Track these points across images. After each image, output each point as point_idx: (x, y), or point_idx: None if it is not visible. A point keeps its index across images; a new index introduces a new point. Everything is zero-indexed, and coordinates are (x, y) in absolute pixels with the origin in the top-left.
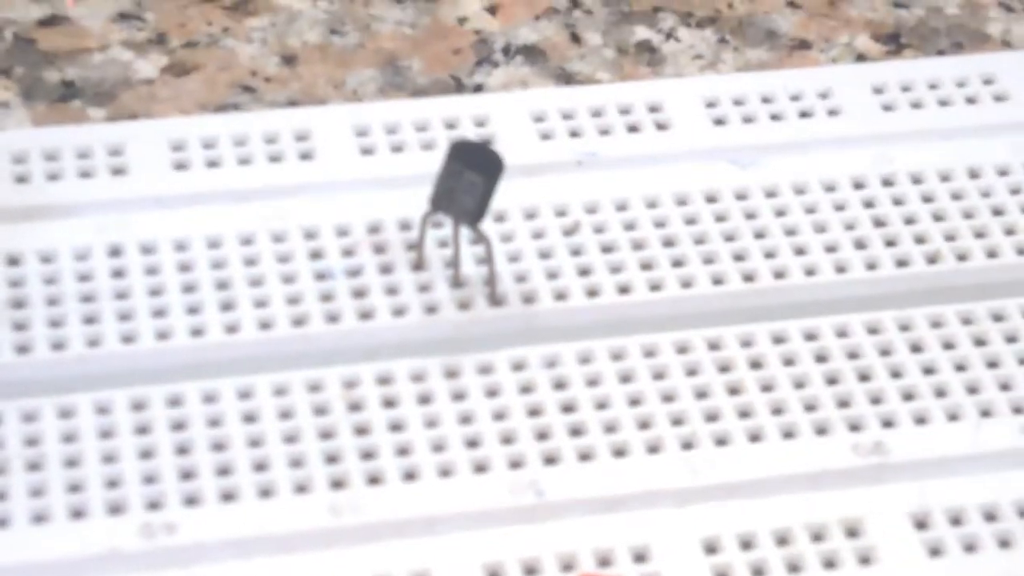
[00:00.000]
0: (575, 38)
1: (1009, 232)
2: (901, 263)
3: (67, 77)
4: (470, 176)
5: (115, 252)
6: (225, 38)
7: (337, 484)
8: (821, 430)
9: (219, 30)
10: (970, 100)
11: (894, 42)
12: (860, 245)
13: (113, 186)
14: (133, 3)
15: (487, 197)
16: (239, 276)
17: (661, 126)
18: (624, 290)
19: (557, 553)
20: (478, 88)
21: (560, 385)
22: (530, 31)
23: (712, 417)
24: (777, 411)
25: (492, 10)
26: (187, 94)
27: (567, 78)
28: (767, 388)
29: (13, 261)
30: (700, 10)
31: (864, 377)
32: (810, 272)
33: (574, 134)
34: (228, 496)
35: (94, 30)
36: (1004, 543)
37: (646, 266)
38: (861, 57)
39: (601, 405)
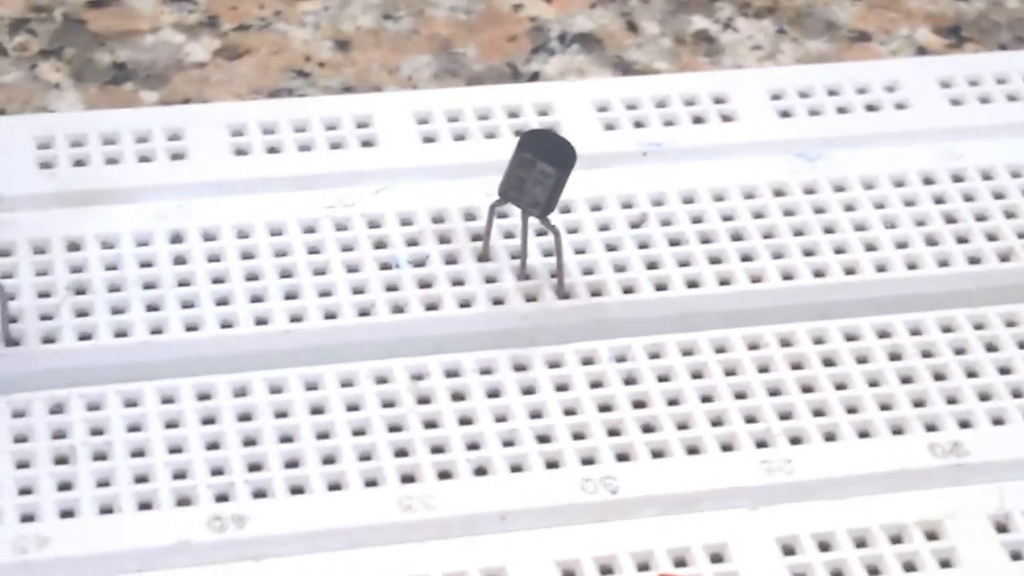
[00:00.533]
0: (632, 26)
1: None
2: (973, 260)
3: (118, 59)
4: (542, 166)
5: (176, 238)
6: (277, 22)
7: (407, 478)
8: (897, 429)
9: (271, 13)
10: None
11: (955, 35)
12: (931, 241)
13: (173, 171)
14: None
15: (558, 188)
16: (303, 264)
17: (726, 118)
18: (693, 284)
19: (632, 552)
20: (534, 76)
21: (631, 380)
22: (586, 19)
23: (786, 415)
24: (852, 409)
25: None
26: (240, 78)
27: (624, 67)
28: (841, 386)
29: (74, 246)
30: (758, 0)
31: (939, 376)
32: (881, 268)
33: (638, 124)
34: (297, 488)
35: (145, 12)
36: None
37: (715, 260)
38: (922, 50)
39: (673, 401)
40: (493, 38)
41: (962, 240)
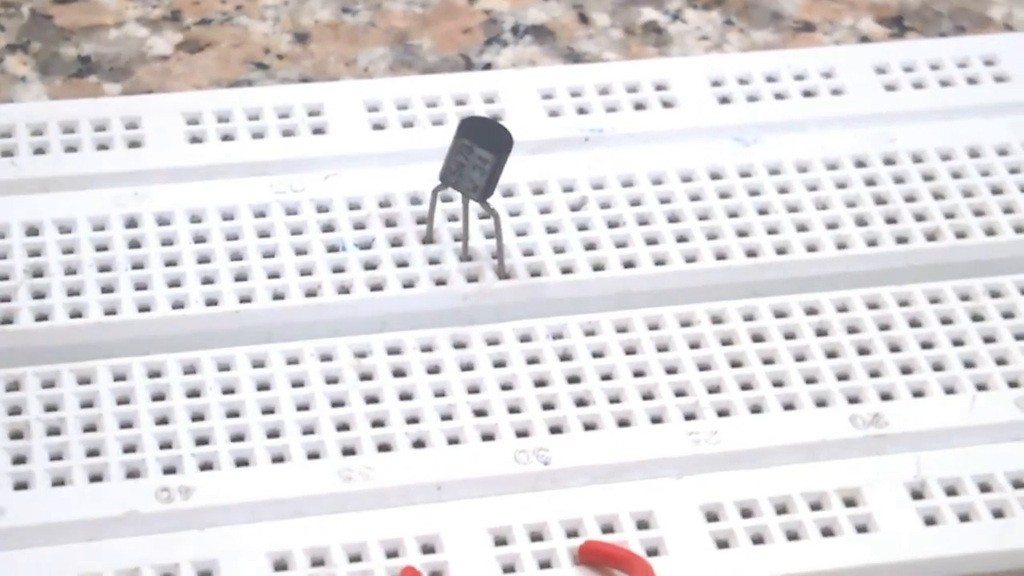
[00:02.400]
0: (583, 18)
1: (1008, 211)
2: (901, 240)
3: (83, 53)
4: (479, 152)
5: (131, 223)
6: (238, 16)
7: (348, 451)
8: (821, 402)
9: (232, 8)
10: (971, 81)
11: (897, 25)
12: (861, 222)
13: (129, 158)
14: None
15: (496, 173)
16: (253, 247)
17: (667, 104)
18: (629, 264)
19: (562, 520)
20: (487, 67)
21: (566, 356)
22: (539, 11)
23: (714, 389)
24: (778, 383)
25: None
26: (201, 70)
27: (575, 58)
28: (768, 361)
29: (32, 231)
30: None
31: (863, 351)
32: (812, 248)
33: (581, 111)
34: (242, 461)
35: (110, 7)
36: (998, 513)
37: (651, 241)
38: (865, 39)
39: (606, 376)
40: (448, 30)
41: (891, 221)
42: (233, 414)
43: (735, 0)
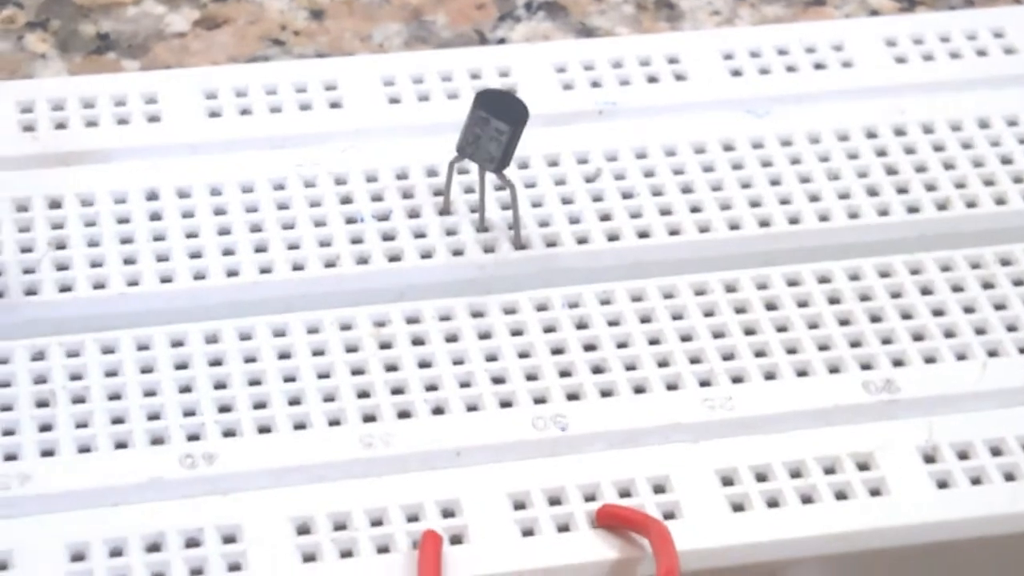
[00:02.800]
0: None
1: (1017, 180)
2: (912, 209)
3: (102, 30)
4: (495, 124)
5: (152, 196)
6: None
7: (368, 417)
8: (834, 369)
9: None
10: (980, 53)
11: None
12: (872, 192)
13: (149, 133)
14: None
15: (512, 144)
16: (272, 220)
17: (679, 77)
18: (643, 234)
19: (580, 484)
20: (501, 42)
21: (582, 325)
22: None
23: (728, 356)
24: (791, 350)
25: None
26: (218, 47)
27: (587, 33)
28: (782, 328)
29: (54, 204)
30: None
31: (875, 318)
32: (824, 218)
33: (595, 85)
34: (264, 428)
35: None
36: (1009, 476)
37: (665, 212)
38: (874, 13)
39: (622, 344)
40: (462, 6)
41: (902, 191)
42: (255, 382)
43: None
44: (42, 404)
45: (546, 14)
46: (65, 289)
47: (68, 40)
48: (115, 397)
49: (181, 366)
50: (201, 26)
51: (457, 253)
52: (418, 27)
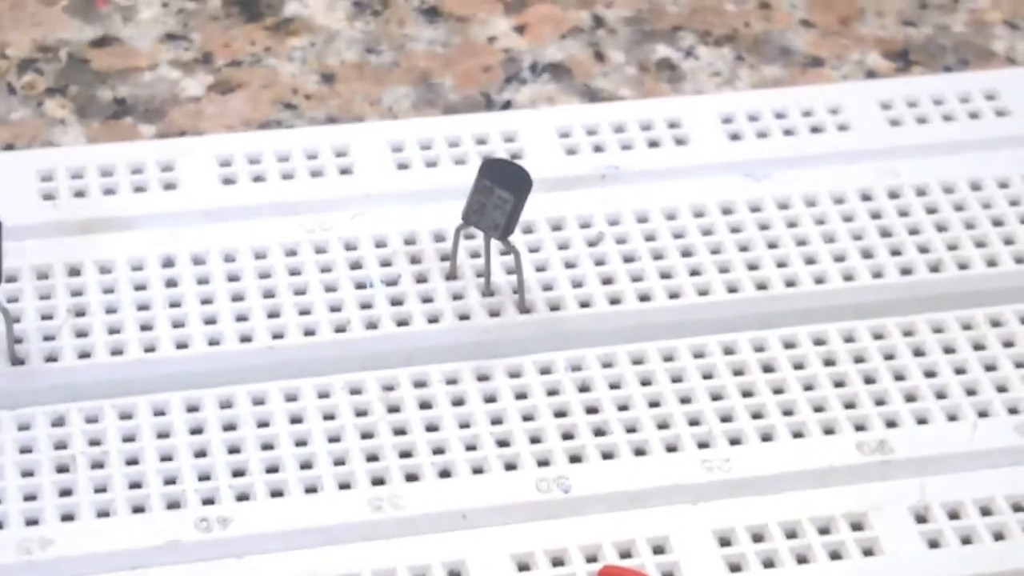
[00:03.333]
0: (599, 56)
1: (1008, 242)
2: (905, 271)
3: (119, 95)
4: (500, 193)
5: (168, 263)
6: (267, 57)
7: (377, 480)
8: (828, 430)
9: (261, 50)
10: (973, 115)
11: (903, 59)
12: (867, 254)
13: (165, 200)
14: (180, 24)
15: (516, 212)
16: (284, 285)
17: (680, 141)
18: (645, 298)
19: (581, 545)
20: (507, 104)
21: (585, 388)
22: (556, 49)
23: (726, 418)
24: (787, 412)
25: (520, 29)
26: (232, 111)
27: (591, 95)
28: (778, 390)
29: (74, 272)
30: (718, 28)
31: (869, 380)
32: (819, 280)
33: (598, 149)
34: (277, 492)
35: (143, 50)
36: (998, 536)
37: (665, 275)
38: (871, 74)
39: (623, 406)
40: (469, 69)
41: (896, 253)
42: (268, 446)
43: (746, 36)
44: (62, 469)
45: (551, 76)
46: (84, 356)
47: (86, 105)
48: (133, 462)
49: (196, 431)
50: (215, 90)
51: (463, 317)
52: (426, 90)
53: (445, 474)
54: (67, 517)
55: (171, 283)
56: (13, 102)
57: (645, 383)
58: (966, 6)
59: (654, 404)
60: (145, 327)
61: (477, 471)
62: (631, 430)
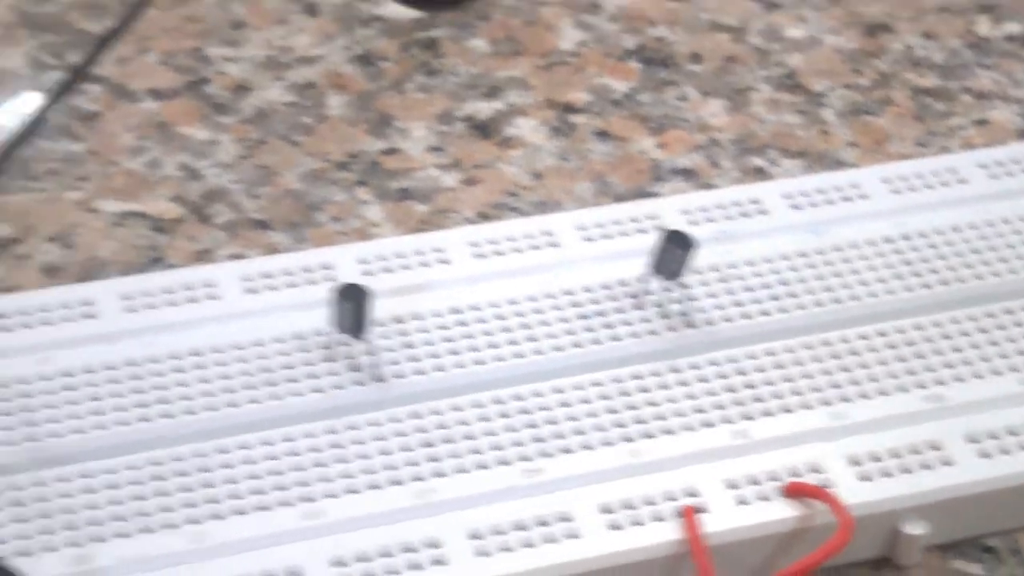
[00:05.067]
0: (714, 163)
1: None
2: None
3: (402, 186)
4: (676, 250)
5: (456, 311)
6: (496, 162)
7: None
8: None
9: (492, 157)
10: (962, 180)
11: None
12: (893, 277)
13: (442, 271)
14: (439, 140)
15: (687, 262)
16: (534, 319)
17: (762, 212)
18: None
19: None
20: (654, 194)
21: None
22: (686, 159)
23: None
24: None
25: (662, 146)
26: (474, 197)
27: (707, 187)
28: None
29: (398, 320)
30: (793, 147)
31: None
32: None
33: (710, 220)
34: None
35: (416, 157)
36: None
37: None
38: None
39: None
40: (629, 171)
41: (915, 274)
42: (572, 417)
43: (813, 152)
44: (426, 444)
45: (682, 177)
46: (420, 372)
47: (383, 193)
48: (469, 437)
49: (504, 415)
50: (464, 183)
51: (652, 333)
52: (602, 185)
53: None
54: (439, 474)
55: (461, 323)
56: (334, 190)
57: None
58: (960, 135)
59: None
60: (453, 351)
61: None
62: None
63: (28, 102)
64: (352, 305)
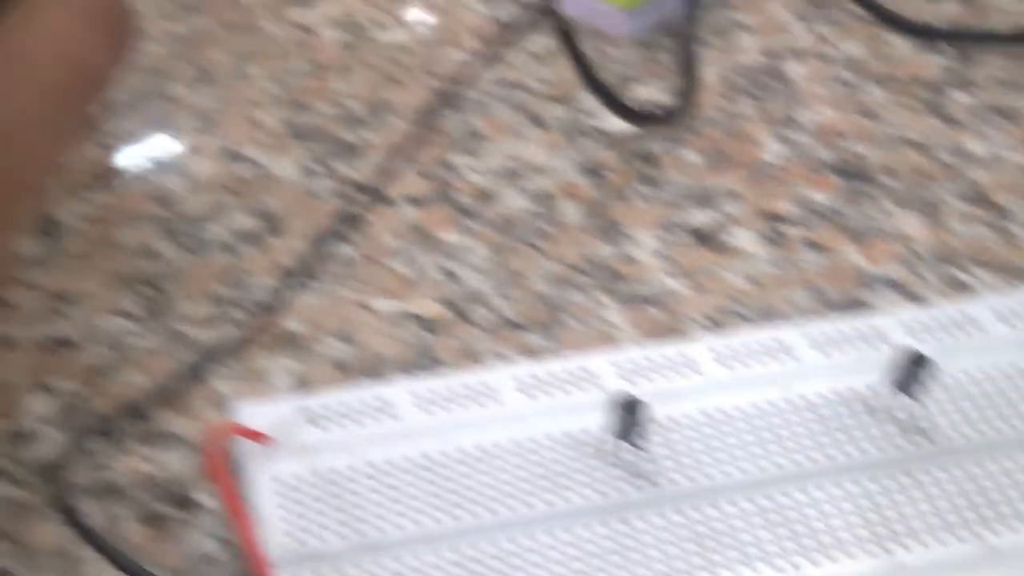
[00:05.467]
0: (916, 274)
1: None
2: None
3: (633, 291)
4: (919, 367)
5: (704, 415)
6: (715, 268)
7: None
8: None
9: (710, 263)
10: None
11: None
12: None
13: (680, 378)
14: (665, 248)
15: (926, 375)
16: (779, 422)
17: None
18: None
19: None
20: (865, 303)
21: None
22: (888, 270)
23: None
24: None
25: (866, 256)
26: (697, 300)
27: (915, 298)
28: None
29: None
30: (992, 260)
31: None
32: None
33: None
34: None
35: (645, 262)
36: None
37: None
38: None
39: None
40: (840, 281)
41: None
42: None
43: (1012, 267)
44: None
45: (885, 285)
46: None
47: (617, 295)
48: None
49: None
50: (687, 288)
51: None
52: (817, 294)
53: None
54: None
55: (712, 427)
56: (575, 292)
57: None
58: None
59: None
60: (710, 454)
61: None
62: None
63: None
64: (628, 415)
